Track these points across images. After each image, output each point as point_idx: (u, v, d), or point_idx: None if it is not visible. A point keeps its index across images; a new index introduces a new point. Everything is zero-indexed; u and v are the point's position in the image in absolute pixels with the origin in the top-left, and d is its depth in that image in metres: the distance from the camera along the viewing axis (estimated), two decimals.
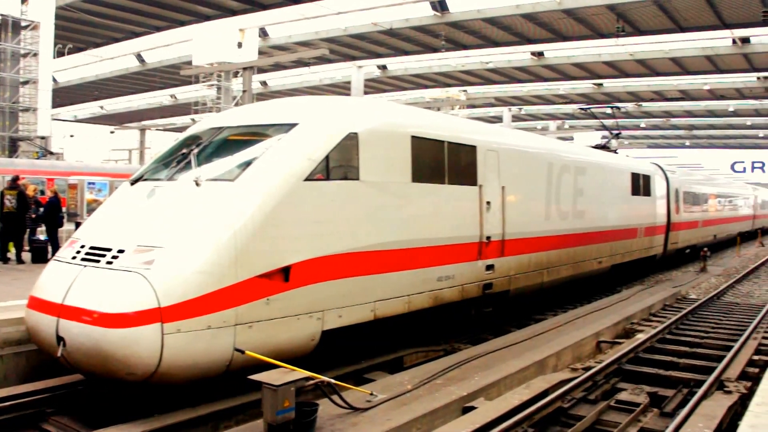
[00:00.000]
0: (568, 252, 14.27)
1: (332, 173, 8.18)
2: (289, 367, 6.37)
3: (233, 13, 26.23)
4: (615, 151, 20.95)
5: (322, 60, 31.37)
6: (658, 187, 21.30)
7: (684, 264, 25.55)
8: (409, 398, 7.30)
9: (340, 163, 8.35)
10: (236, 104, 25.35)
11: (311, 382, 6.37)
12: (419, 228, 9.47)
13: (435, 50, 30.04)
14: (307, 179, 7.79)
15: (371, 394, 7.24)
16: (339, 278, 8.04)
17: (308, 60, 30.94)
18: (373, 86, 39.66)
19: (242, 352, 6.78)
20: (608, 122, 28.17)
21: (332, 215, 8.09)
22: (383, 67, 36.35)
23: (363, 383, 8.22)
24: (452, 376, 8.23)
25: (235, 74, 28.04)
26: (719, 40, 28.57)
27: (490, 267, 11.23)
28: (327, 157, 8.11)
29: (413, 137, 9.50)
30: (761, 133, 60.62)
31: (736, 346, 10.71)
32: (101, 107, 53.26)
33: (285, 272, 7.36)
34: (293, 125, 8.29)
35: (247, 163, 7.75)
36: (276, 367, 6.42)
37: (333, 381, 6.66)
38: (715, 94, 40.04)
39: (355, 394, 7.14)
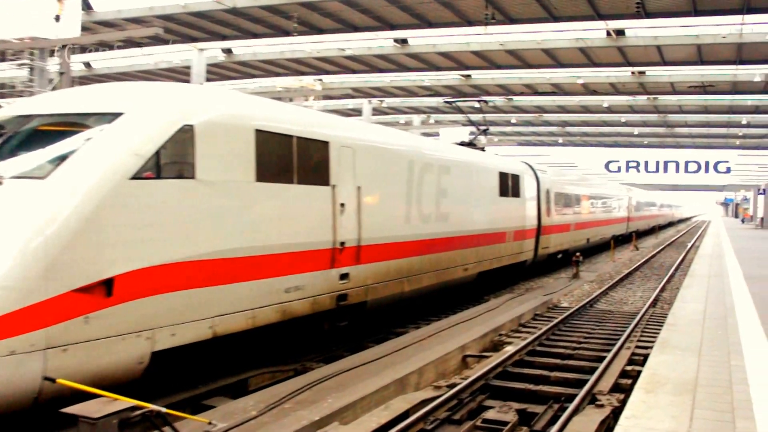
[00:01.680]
0: (431, 258, 14.63)
1: (164, 171, 8.04)
2: (111, 395, 6.19)
3: None
4: (482, 149, 21.62)
5: (156, 40, 30.48)
6: (528, 187, 22.19)
7: (556, 270, 26.75)
8: (254, 425, 7.28)
9: (172, 160, 8.22)
10: (53, 89, 24.21)
11: (138, 412, 6.21)
12: (264, 233, 9.45)
13: (287, 33, 29.84)
14: (133, 177, 7.61)
15: (210, 423, 7.16)
16: (172, 291, 7.90)
17: (140, 40, 30.01)
18: (217, 72, 38.94)
19: (53, 380, 6.52)
20: (475, 117, 29.07)
21: (164, 219, 7.94)
22: (228, 51, 35.77)
23: (201, 411, 8.13)
24: (303, 399, 8.25)
25: (52, 53, 26.75)
26: (593, 32, 30.01)
27: (344, 276, 11.35)
28: (157, 153, 7.97)
29: (258, 131, 9.48)
30: (636, 130, 64.08)
31: (609, 356, 11.32)
32: None
33: (107, 285, 7.16)
34: (118, 115, 8.08)
35: (62, 158, 7.48)
36: (96, 396, 6.22)
37: (164, 410, 6.51)
38: (588, 89, 42.04)
39: (191, 424, 7.05)
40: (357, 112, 48.86)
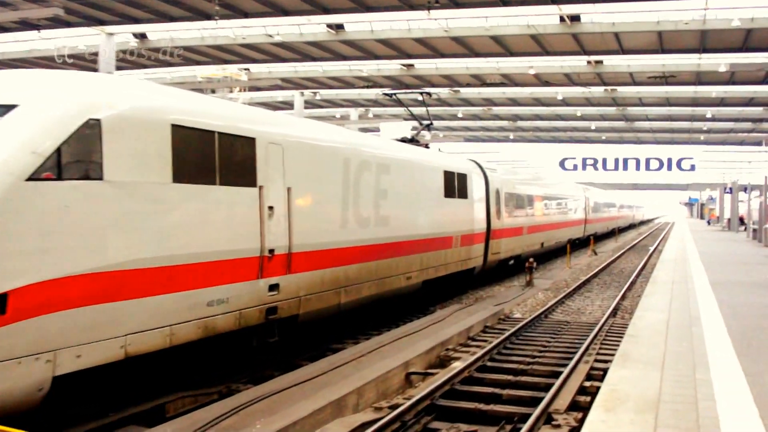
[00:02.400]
0: (370, 266, 14.63)
1: (66, 171, 7.89)
2: (4, 428, 6.04)
3: None
4: (426, 146, 21.68)
5: (57, 22, 30.09)
6: (477, 187, 22.32)
7: (507, 277, 26.99)
8: None
9: (76, 158, 8.09)
10: None
11: None
12: (183, 240, 9.35)
13: (208, 17, 29.70)
14: (30, 179, 7.46)
15: None
16: (76, 307, 7.75)
17: (38, 21, 29.53)
18: (129, 60, 38.49)
19: None
20: (418, 111, 29.12)
21: (66, 226, 7.78)
22: (142, 36, 35.43)
23: None
24: (228, 425, 8.17)
25: None
26: (546, 17, 30.35)
27: (274, 287, 11.28)
28: (58, 151, 7.82)
29: (175, 126, 9.37)
30: (593, 125, 65.23)
31: (566, 372, 11.41)
32: None
33: (0, 302, 6.98)
34: (11, 107, 7.92)
35: None
36: None
37: None
38: (541, 80, 42.60)
39: None
40: (288, 106, 48.84)
